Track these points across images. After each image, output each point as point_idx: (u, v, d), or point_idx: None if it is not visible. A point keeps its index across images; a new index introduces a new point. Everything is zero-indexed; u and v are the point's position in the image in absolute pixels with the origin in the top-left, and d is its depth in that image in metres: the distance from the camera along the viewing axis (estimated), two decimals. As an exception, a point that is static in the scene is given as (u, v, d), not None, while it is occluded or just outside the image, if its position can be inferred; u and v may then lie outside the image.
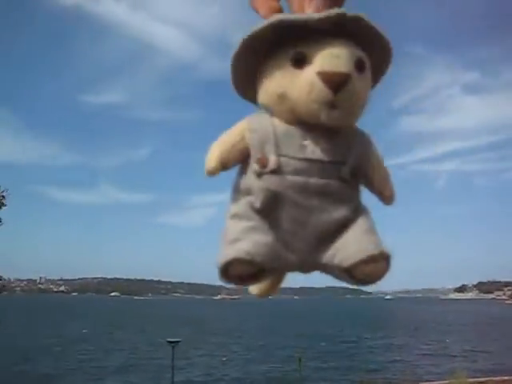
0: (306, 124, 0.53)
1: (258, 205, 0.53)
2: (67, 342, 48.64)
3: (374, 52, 0.55)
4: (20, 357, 37.40)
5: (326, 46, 0.52)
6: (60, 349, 43.40)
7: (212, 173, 0.57)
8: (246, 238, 0.52)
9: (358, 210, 0.56)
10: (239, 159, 0.56)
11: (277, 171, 0.53)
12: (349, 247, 0.53)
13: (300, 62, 0.52)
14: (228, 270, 0.52)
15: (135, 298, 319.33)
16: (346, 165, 0.54)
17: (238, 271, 0.52)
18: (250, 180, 0.55)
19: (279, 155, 0.53)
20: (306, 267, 0.56)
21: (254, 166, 0.54)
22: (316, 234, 0.53)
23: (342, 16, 0.52)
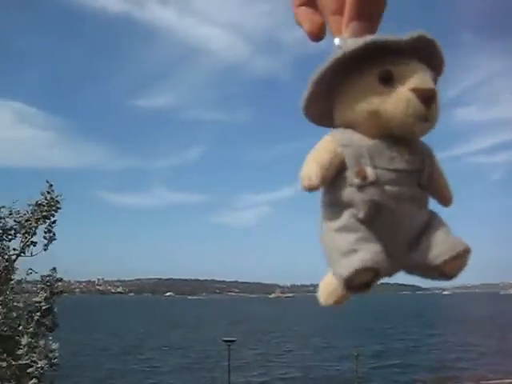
0: (392, 137, 0.57)
1: (362, 216, 0.56)
2: (125, 341, 49.52)
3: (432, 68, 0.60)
4: (80, 356, 38.21)
5: (409, 64, 0.57)
6: (118, 348, 44.20)
7: (315, 189, 0.58)
8: (362, 248, 0.55)
9: (431, 213, 0.60)
10: (335, 174, 0.58)
11: (375, 183, 0.56)
12: (439, 246, 0.57)
13: (388, 80, 0.56)
14: (353, 280, 0.54)
15: (189, 297, 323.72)
16: (423, 172, 0.58)
17: (361, 280, 0.55)
18: (349, 193, 0.57)
19: (375, 167, 0.56)
20: (399, 269, 0.60)
21: (353, 180, 0.57)
22: (407, 237, 0.58)
23: (423, 37, 0.56)
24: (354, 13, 0.60)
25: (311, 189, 0.58)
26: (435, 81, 0.59)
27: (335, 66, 0.57)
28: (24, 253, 10.62)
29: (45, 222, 9.67)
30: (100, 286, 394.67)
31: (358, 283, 0.55)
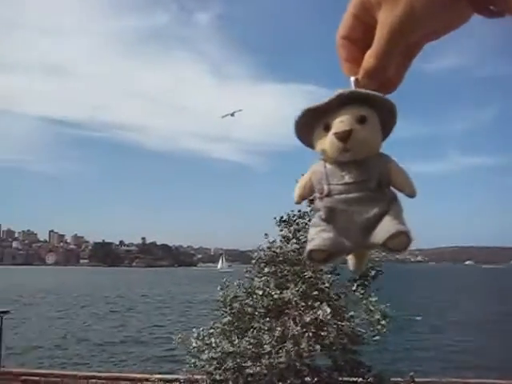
0: (341, 162, 0.85)
1: (323, 216, 0.86)
2: (429, 312, 49.19)
3: (380, 109, 0.84)
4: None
5: (338, 115, 0.83)
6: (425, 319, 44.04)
7: (298, 203, 0.93)
8: (317, 237, 0.86)
9: (391, 204, 0.85)
10: (311, 192, 0.89)
11: (329, 195, 0.85)
12: (381, 230, 0.82)
13: (326, 128, 0.84)
14: (312, 257, 0.86)
15: (483, 266, 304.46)
16: (370, 181, 0.84)
17: (317, 257, 0.86)
18: (316, 203, 0.88)
19: (329, 184, 0.85)
20: (359, 248, 0.88)
21: (316, 194, 0.88)
22: (360, 226, 0.84)
23: (341, 96, 0.82)
24: (368, 74, 0.83)
25: (296, 203, 0.93)
26: (387, 119, 0.85)
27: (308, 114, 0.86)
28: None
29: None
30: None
31: (317, 259, 0.86)
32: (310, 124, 0.88)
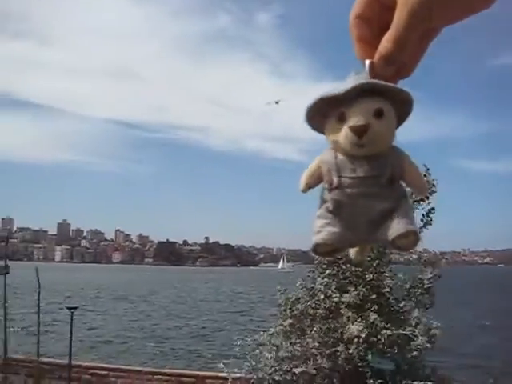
0: (354, 155, 0.83)
1: (330, 208, 0.85)
2: (498, 316, 47.49)
3: (396, 100, 0.82)
4: (453, 330, 38.24)
5: (354, 106, 0.81)
6: (493, 322, 42.67)
7: (304, 192, 0.90)
8: (323, 230, 0.85)
9: (401, 201, 0.84)
10: (318, 181, 0.88)
11: (338, 187, 0.84)
12: (390, 228, 0.82)
13: (341, 119, 0.82)
14: (316, 250, 0.85)
15: None
16: (382, 176, 0.83)
17: (322, 250, 0.85)
18: (325, 194, 0.87)
19: (339, 177, 0.84)
20: (365, 243, 0.90)
21: (325, 185, 0.86)
22: (367, 221, 0.83)
23: (360, 87, 0.80)
24: (385, 59, 0.80)
25: (302, 191, 0.90)
26: (403, 111, 0.83)
27: (321, 102, 0.83)
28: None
29: (420, 205, 9.99)
30: (466, 256, 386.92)
31: (322, 252, 0.85)
32: (323, 112, 0.85)
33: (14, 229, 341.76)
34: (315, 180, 0.89)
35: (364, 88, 0.81)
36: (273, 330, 10.45)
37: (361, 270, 10.35)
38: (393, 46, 0.78)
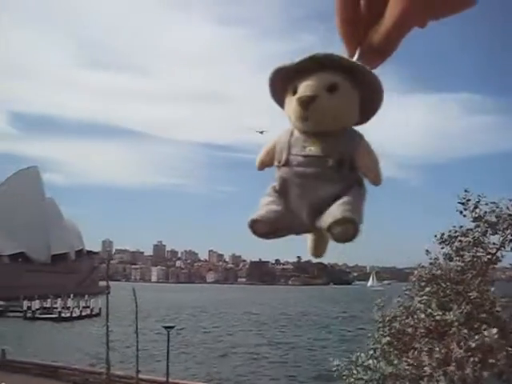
0: (306, 132, 0.80)
1: (277, 187, 0.83)
2: None
3: (360, 79, 0.77)
4: None
5: (307, 78, 0.77)
6: None
7: (259, 169, 0.88)
8: (265, 207, 0.81)
9: (349, 188, 0.79)
10: (272, 160, 0.85)
11: (286, 165, 0.81)
12: (327, 214, 0.77)
13: (294, 92, 0.79)
14: (253, 226, 0.80)
15: None
16: (331, 157, 0.78)
17: (260, 229, 0.80)
18: (276, 171, 0.84)
19: (289, 154, 0.80)
20: (306, 229, 0.83)
21: (274, 163, 0.84)
22: (311, 205, 0.79)
23: (314, 58, 0.76)
24: (376, 52, 0.78)
25: (257, 169, 0.88)
26: (369, 94, 0.78)
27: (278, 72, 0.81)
28: (504, 247, 10.58)
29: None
30: None
31: (260, 231, 0.80)
32: (281, 86, 0.82)
33: (113, 251, 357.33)
34: (270, 158, 0.86)
35: (319, 60, 0.76)
36: (371, 350, 10.14)
37: (462, 287, 9.87)
38: (385, 40, 0.77)
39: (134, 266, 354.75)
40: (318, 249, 0.89)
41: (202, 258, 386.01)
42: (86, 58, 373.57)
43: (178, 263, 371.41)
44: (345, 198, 0.78)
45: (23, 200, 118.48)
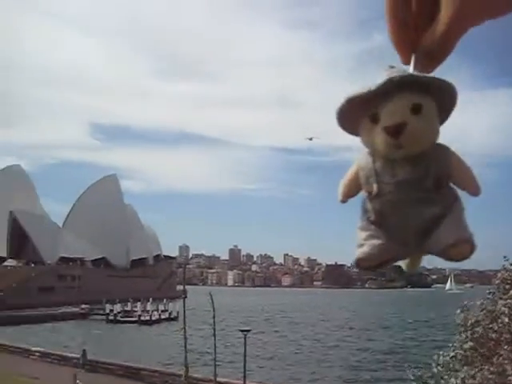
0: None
1: (372, 219, 0.79)
2: None
3: (437, 92, 0.75)
4: None
5: (388, 104, 0.73)
6: None
7: (343, 202, 0.84)
8: (366, 243, 0.79)
9: (451, 205, 0.77)
10: (358, 189, 0.81)
11: (379, 194, 0.77)
12: (440, 237, 0.75)
13: (374, 119, 0.74)
14: (359, 265, 0.79)
15: None
16: (427, 178, 0.75)
17: (365, 265, 0.79)
18: (365, 202, 0.80)
19: (380, 183, 0.77)
20: (414, 254, 0.82)
21: (365, 193, 0.80)
22: (415, 230, 0.76)
23: (391, 82, 0.72)
24: (431, 57, 0.76)
25: (341, 202, 0.84)
26: (445, 103, 0.76)
27: (352, 101, 0.76)
28: None
29: None
30: None
31: (367, 266, 0.79)
32: (355, 113, 0.77)
33: (190, 255, 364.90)
34: (354, 188, 0.82)
35: (397, 83, 0.73)
36: (453, 354, 9.77)
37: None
38: (439, 44, 0.75)
39: (210, 271, 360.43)
40: (415, 264, 0.86)
41: (277, 262, 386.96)
42: (162, 68, 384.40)
43: (253, 267, 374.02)
44: (451, 217, 0.76)
45: (104, 207, 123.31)
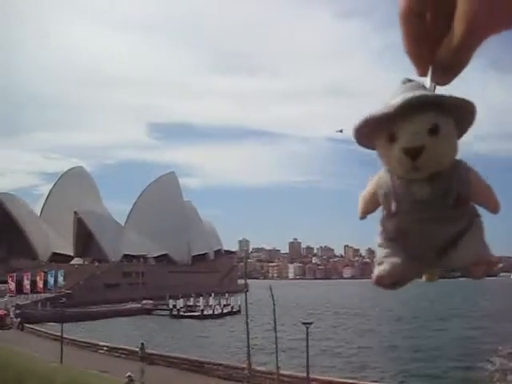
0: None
1: (391, 237, 0.79)
2: None
3: (454, 109, 0.73)
4: None
5: (406, 125, 0.72)
6: None
7: (362, 219, 0.85)
8: (385, 261, 0.79)
9: (471, 223, 0.76)
10: (376, 206, 0.81)
11: (398, 213, 0.77)
12: (460, 255, 0.75)
13: (392, 139, 0.74)
14: (379, 282, 0.79)
15: None
16: (447, 197, 0.74)
17: (385, 282, 0.79)
18: (383, 220, 0.80)
19: (398, 201, 0.76)
20: (432, 269, 0.82)
21: (383, 212, 0.80)
22: (434, 248, 0.76)
23: (408, 102, 0.71)
24: (446, 69, 0.75)
25: (360, 219, 0.85)
26: (464, 119, 0.74)
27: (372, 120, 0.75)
28: None
29: None
30: None
31: (386, 284, 0.79)
32: (372, 132, 0.77)
33: (250, 249, 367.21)
34: (373, 205, 0.83)
35: (415, 103, 0.72)
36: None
37: None
38: (456, 56, 0.73)
39: (271, 264, 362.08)
40: (433, 277, 0.86)
41: (337, 254, 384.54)
42: (219, 64, 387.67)
43: (314, 260, 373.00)
44: (471, 235, 0.76)
45: (164, 204, 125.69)
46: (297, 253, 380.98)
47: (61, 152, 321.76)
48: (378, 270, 0.80)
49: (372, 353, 36.52)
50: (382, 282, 0.80)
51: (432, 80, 0.76)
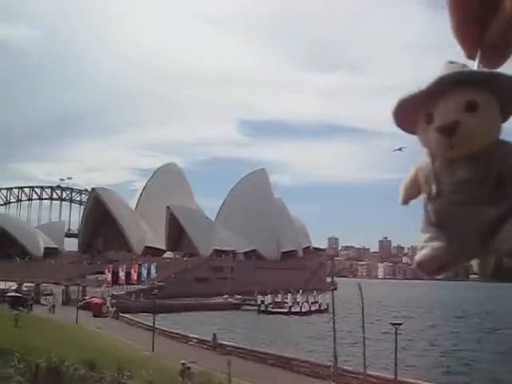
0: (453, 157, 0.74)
1: (432, 220, 0.78)
2: None
3: (497, 86, 0.71)
4: None
5: (441, 103, 0.72)
6: None
7: (404, 204, 0.85)
8: (427, 245, 0.77)
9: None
10: (418, 191, 0.81)
11: (439, 195, 0.76)
12: (503, 239, 0.71)
13: (429, 119, 0.74)
14: (421, 268, 0.78)
15: None
16: (488, 178, 0.72)
17: (428, 267, 0.77)
18: (425, 204, 0.79)
19: (439, 184, 0.75)
20: (477, 255, 0.79)
21: (424, 195, 0.79)
22: (476, 232, 0.73)
23: (441, 80, 0.71)
24: (497, 51, 0.73)
25: (402, 204, 0.85)
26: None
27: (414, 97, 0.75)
28: None
29: None
30: None
31: (429, 269, 0.77)
32: (411, 114, 0.77)
33: (339, 247, 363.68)
34: (415, 190, 0.82)
35: (449, 80, 0.71)
36: None
37: None
38: (504, 37, 0.71)
39: (360, 263, 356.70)
40: (485, 267, 0.83)
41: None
42: (309, 61, 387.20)
43: (404, 259, 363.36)
44: None
45: (254, 201, 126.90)
46: (387, 252, 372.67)
47: (155, 149, 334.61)
48: (418, 255, 0.78)
49: (464, 358, 35.03)
50: (423, 267, 0.78)
51: (480, 62, 0.74)
